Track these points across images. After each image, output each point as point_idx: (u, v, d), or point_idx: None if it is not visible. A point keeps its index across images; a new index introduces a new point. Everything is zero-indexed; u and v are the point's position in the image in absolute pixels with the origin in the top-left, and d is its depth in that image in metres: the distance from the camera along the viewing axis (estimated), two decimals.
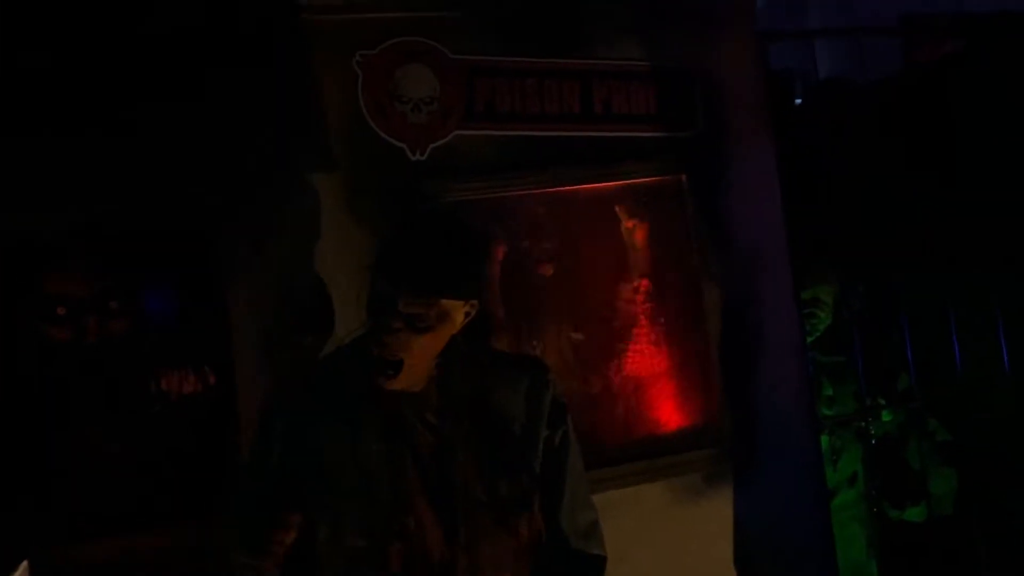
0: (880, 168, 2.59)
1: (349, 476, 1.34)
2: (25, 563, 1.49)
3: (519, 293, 2.07)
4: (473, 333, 1.41)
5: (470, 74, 1.97)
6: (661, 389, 2.14)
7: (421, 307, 1.29)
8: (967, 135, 2.53)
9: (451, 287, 1.31)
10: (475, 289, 1.36)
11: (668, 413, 2.14)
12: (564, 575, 1.46)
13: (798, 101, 3.47)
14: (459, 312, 1.35)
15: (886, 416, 2.50)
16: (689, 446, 2.11)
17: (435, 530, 1.34)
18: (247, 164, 1.85)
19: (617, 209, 2.13)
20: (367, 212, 1.85)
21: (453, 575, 1.34)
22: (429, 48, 1.93)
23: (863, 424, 2.43)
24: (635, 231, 2.13)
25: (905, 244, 2.51)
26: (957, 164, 2.57)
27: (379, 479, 1.33)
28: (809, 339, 2.53)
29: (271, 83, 1.86)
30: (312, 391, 1.41)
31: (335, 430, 1.35)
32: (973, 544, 2.43)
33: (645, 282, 2.13)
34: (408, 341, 1.30)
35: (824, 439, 2.55)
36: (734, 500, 2.14)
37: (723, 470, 2.12)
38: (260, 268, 1.82)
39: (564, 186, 2.05)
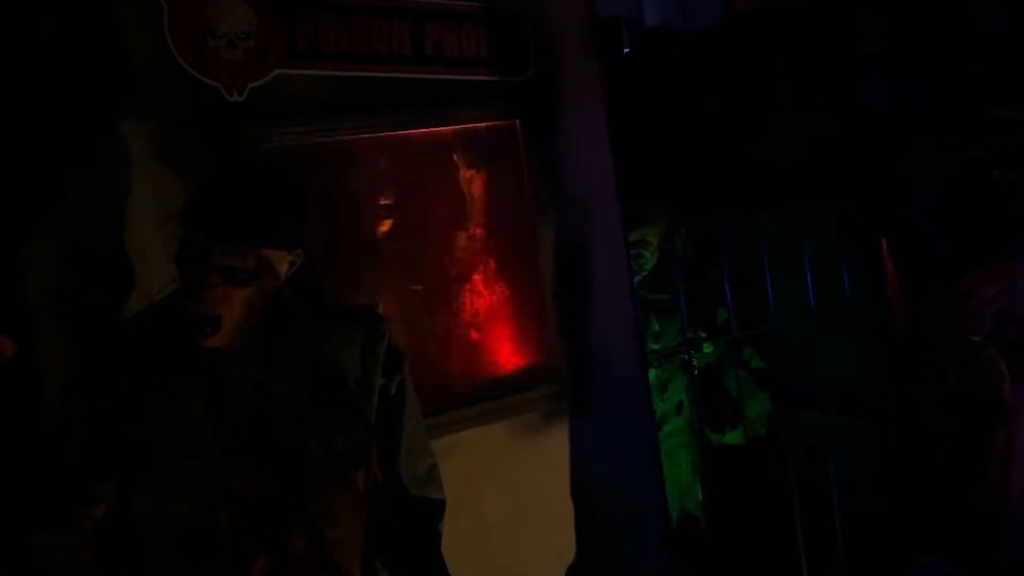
0: (701, 115, 2.71)
1: (169, 442, 1.26)
2: None
3: (355, 244, 2.01)
4: (301, 284, 1.35)
5: (291, 9, 1.85)
6: (500, 332, 2.18)
7: (239, 258, 1.22)
8: (778, 84, 2.69)
9: (273, 236, 1.25)
10: (300, 238, 1.30)
11: (507, 355, 2.18)
12: (404, 522, 1.47)
13: (626, 50, 3.56)
14: (283, 262, 1.29)
15: (707, 348, 2.68)
16: (528, 385, 2.16)
17: (266, 491, 1.30)
18: (45, 111, 1.66)
19: (455, 158, 2.11)
20: (182, 159, 1.71)
21: (286, 535, 1.30)
22: None
23: (687, 356, 2.59)
24: (473, 181, 2.12)
25: (724, 188, 2.66)
26: (770, 111, 2.73)
27: (202, 443, 1.27)
28: (637, 278, 2.65)
29: (68, 19, 1.67)
30: (121, 353, 1.30)
31: (151, 395, 1.27)
32: (783, 460, 2.66)
33: (481, 231, 2.13)
34: (226, 295, 1.23)
35: (652, 372, 2.70)
36: (570, 435, 2.22)
37: (560, 407, 2.20)
38: (62, 224, 1.65)
39: (395, 131, 2.00)
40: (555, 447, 2.20)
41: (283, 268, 1.29)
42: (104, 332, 1.43)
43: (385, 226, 2.03)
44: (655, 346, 2.71)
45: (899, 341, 2.46)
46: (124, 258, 1.63)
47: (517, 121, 2.14)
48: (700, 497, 2.88)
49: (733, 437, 2.77)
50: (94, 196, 1.67)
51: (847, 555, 2.53)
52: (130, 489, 1.24)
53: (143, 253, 1.67)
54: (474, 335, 2.14)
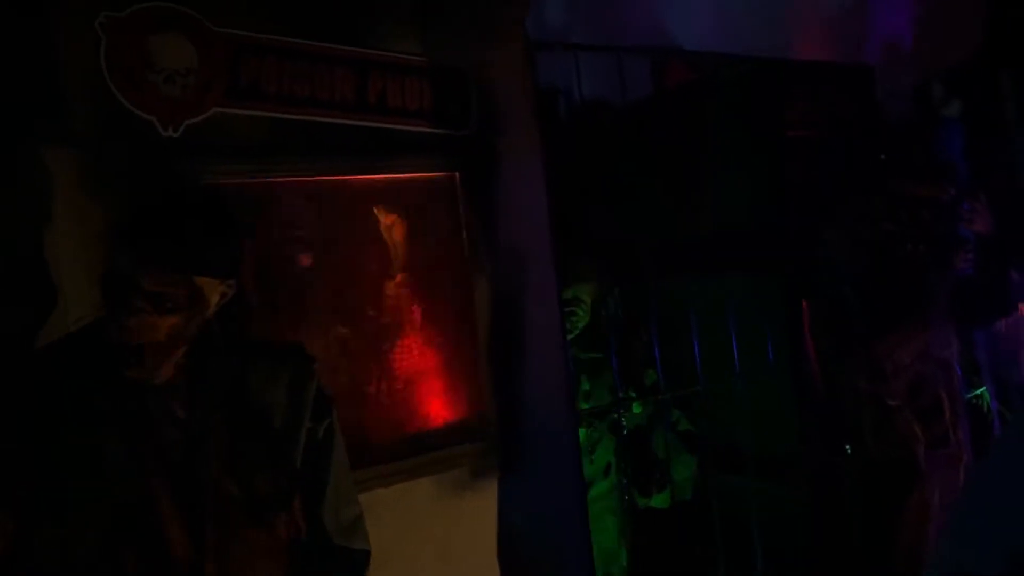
0: (633, 182, 2.79)
1: (78, 477, 1.18)
2: None
3: (282, 287, 1.97)
4: (229, 318, 1.30)
5: (234, 50, 1.84)
6: (429, 385, 2.14)
7: (170, 284, 1.17)
8: (705, 154, 2.81)
9: (206, 263, 1.20)
10: (233, 268, 1.26)
11: (436, 408, 2.14)
12: (326, 572, 1.40)
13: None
14: (214, 292, 1.24)
15: (636, 408, 2.69)
16: (456, 441, 2.13)
17: (180, 533, 1.22)
18: None
19: (375, 209, 2.10)
20: (110, 193, 1.66)
21: None
22: (187, 17, 1.78)
23: (616, 416, 2.59)
24: (393, 227, 2.11)
25: (654, 252, 2.72)
26: (700, 181, 2.84)
27: (114, 480, 1.19)
28: (569, 336, 2.66)
29: None
30: (35, 382, 1.22)
31: (64, 426, 1.19)
32: (710, 524, 2.66)
33: (405, 277, 2.12)
34: (153, 324, 1.17)
35: (581, 432, 2.69)
36: (499, 493, 2.18)
37: (489, 464, 2.16)
38: None
39: (333, 175, 1.99)
40: (482, 505, 2.16)
41: (214, 298, 1.24)
42: (16, 359, 1.34)
43: (306, 260, 1.99)
44: (585, 405, 2.70)
45: (819, 406, 2.53)
46: (48, 275, 1.54)
47: (456, 174, 2.16)
48: (624, 562, 2.84)
49: (660, 500, 2.76)
50: (12, 219, 1.59)
51: None
52: (32, 525, 1.15)
53: (60, 284, 1.59)
54: (402, 387, 2.10)
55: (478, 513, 2.14)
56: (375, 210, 2.11)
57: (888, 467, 2.25)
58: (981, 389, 2.78)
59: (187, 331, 1.23)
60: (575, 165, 2.60)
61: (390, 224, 2.14)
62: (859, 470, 2.33)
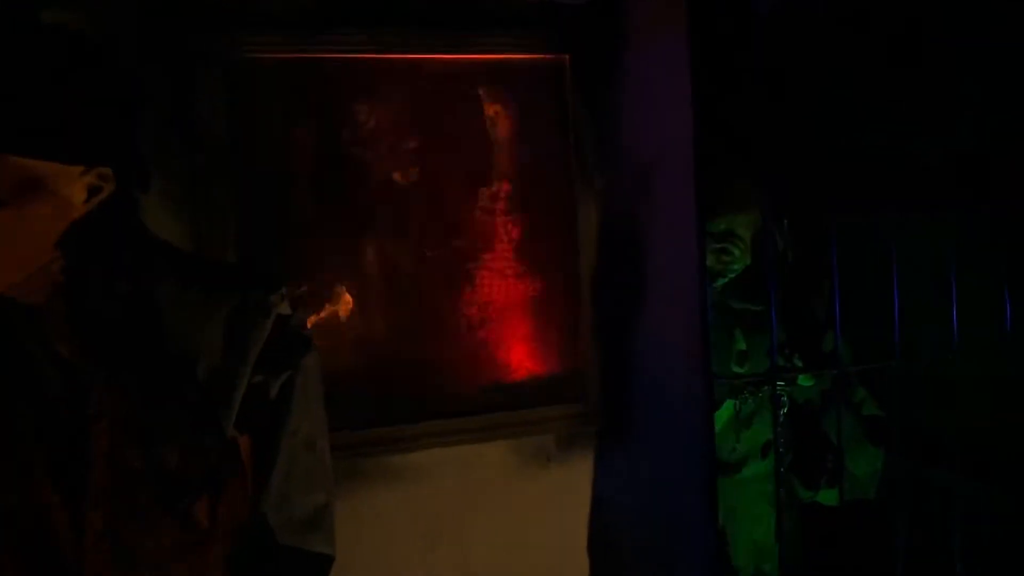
0: (820, 74, 2.11)
1: None
2: None
3: (345, 188, 1.61)
4: (131, 222, 0.94)
5: None
6: (516, 326, 1.71)
7: None
8: (933, 41, 2.07)
9: (32, 137, 0.83)
10: (102, 151, 0.88)
11: (520, 356, 1.71)
12: None
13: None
14: (72, 184, 0.87)
15: (805, 380, 2.09)
16: (543, 400, 1.70)
17: (61, 515, 0.91)
18: None
19: (480, 91, 1.66)
20: None
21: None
22: None
23: (775, 387, 2.02)
24: (498, 120, 1.66)
25: (848, 174, 2.07)
26: (918, 77, 2.11)
27: None
28: (721, 281, 2.10)
29: None
30: None
31: None
32: (892, 535, 2.07)
33: (506, 186, 1.68)
34: None
35: (730, 402, 2.15)
36: (594, 470, 1.73)
37: (584, 431, 1.72)
38: None
39: (406, 53, 1.57)
40: (572, 482, 1.74)
41: (77, 193, 0.88)
42: None
43: (409, 176, 1.62)
44: (739, 369, 2.14)
45: None
46: None
47: (567, 57, 1.66)
48: (777, 561, 2.30)
49: (827, 497, 2.17)
50: None
51: None
52: None
53: None
54: (481, 324, 1.69)
55: (565, 492, 1.72)
56: (480, 91, 1.68)
57: None
58: None
59: (40, 235, 0.87)
60: (736, 48, 1.97)
61: (493, 116, 1.70)
62: None
